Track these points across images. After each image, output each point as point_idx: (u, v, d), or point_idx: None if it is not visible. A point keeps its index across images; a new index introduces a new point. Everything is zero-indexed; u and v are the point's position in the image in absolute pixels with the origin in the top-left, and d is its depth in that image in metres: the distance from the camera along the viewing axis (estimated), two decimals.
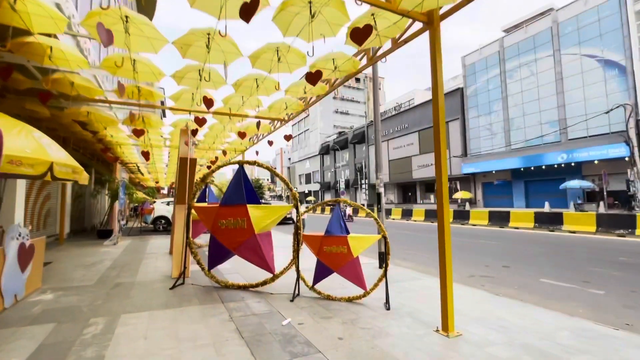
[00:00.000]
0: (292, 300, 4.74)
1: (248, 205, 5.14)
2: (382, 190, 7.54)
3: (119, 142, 11.16)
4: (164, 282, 5.72)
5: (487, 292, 5.44)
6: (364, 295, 4.76)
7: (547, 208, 23.85)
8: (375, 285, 4.76)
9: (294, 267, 5.13)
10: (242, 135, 8.09)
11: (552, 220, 13.96)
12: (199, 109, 7.37)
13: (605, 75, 22.39)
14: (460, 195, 30.75)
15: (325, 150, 55.41)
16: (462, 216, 18.25)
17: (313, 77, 4.63)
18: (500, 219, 15.90)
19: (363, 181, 43.85)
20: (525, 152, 26.78)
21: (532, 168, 26.55)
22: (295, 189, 5.25)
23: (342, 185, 47.01)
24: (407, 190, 41.43)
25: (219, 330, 3.62)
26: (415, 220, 21.18)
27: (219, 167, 5.67)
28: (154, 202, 15.85)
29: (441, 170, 3.88)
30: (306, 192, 63.18)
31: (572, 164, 24.14)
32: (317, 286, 5.07)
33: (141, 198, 16.00)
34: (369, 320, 4.03)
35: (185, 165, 6.11)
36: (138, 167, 16.62)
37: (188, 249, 5.73)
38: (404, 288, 5.55)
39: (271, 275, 5.28)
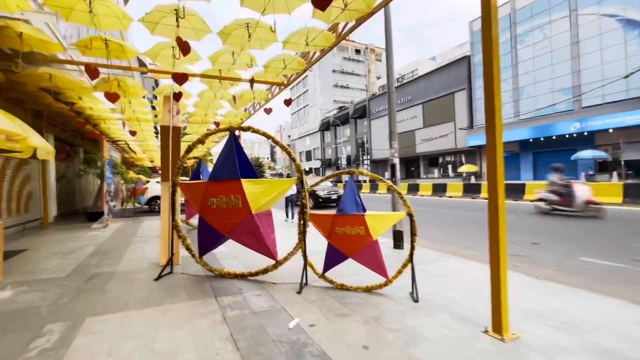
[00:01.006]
0: (299, 292, 3.94)
1: (242, 180, 4.24)
2: (396, 161, 6.62)
3: (102, 117, 10.11)
4: (149, 272, 4.92)
5: (526, 276, 4.64)
6: (386, 284, 3.96)
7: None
8: (399, 272, 3.95)
9: (300, 252, 4.31)
10: (235, 100, 7.05)
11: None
12: (183, 71, 6.31)
13: (626, 37, 20.83)
14: (465, 168, 29.93)
15: (325, 126, 53.95)
16: (472, 189, 17.41)
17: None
18: (514, 191, 15.05)
19: (365, 157, 42.89)
20: (535, 122, 25.58)
21: (542, 139, 25.48)
22: (299, 162, 4.33)
23: (344, 162, 46.10)
24: (410, 165, 40.47)
25: (208, 337, 2.81)
26: (422, 195, 20.41)
27: (207, 136, 4.72)
28: (148, 181, 14.97)
29: (495, 132, 2.95)
30: (307, 169, 62.26)
31: (585, 134, 23.04)
32: (328, 273, 4.27)
33: (135, 178, 15.11)
34: (397, 317, 3.24)
35: (167, 135, 5.15)
36: (128, 145, 15.59)
37: (175, 233, 4.89)
38: (428, 272, 4.76)
39: (273, 261, 4.46)
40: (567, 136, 23.85)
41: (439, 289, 4.05)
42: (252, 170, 4.54)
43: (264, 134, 4.43)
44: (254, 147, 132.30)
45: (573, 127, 23.06)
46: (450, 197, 18.65)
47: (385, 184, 4.18)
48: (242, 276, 4.57)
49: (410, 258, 3.88)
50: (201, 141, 4.77)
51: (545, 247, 6.61)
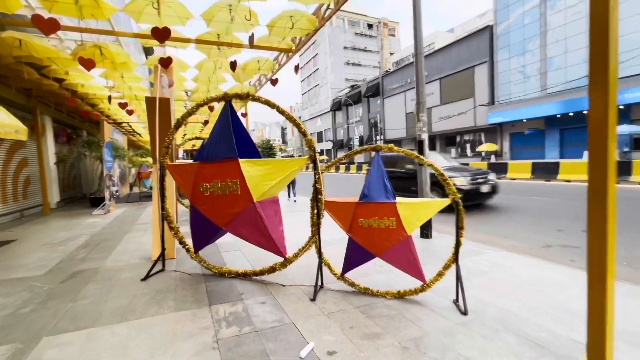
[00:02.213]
0: (313, 300, 3.16)
1: (241, 161, 3.41)
2: (425, 136, 5.65)
3: (98, 95, 9.37)
4: (139, 269, 4.23)
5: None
6: (422, 290, 3.12)
7: (586, 158, 21.44)
8: (440, 274, 3.10)
9: (314, 248, 3.51)
10: (233, 66, 6.11)
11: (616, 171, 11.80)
12: (175, 36, 5.41)
13: None
14: (485, 147, 28.45)
15: (336, 106, 52.38)
16: (497, 169, 16.13)
17: None
18: (546, 171, 13.81)
19: (378, 137, 41.50)
20: (564, 96, 23.68)
21: (571, 114, 23.63)
22: (311, 136, 3.46)
23: (356, 142, 44.86)
24: None
25: None
26: None
27: (198, 107, 3.87)
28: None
29: (607, 95, 1.97)
30: (318, 151, 61.17)
31: (621, 107, 21.16)
32: (348, 274, 3.46)
33: (140, 161, 14.56)
34: (444, 340, 2.41)
35: (154, 108, 4.33)
36: (131, 126, 14.93)
37: (167, 224, 4.15)
38: (468, 269, 3.90)
39: (281, 259, 3.68)
40: None
41: (488, 294, 3.20)
42: (254, 148, 3.70)
43: (267, 102, 3.54)
44: (264, 129, 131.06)
45: None
46: None
47: (418, 163, 3.28)
48: (244, 275, 3.82)
49: (455, 258, 3.02)
50: (191, 113, 3.93)
51: None
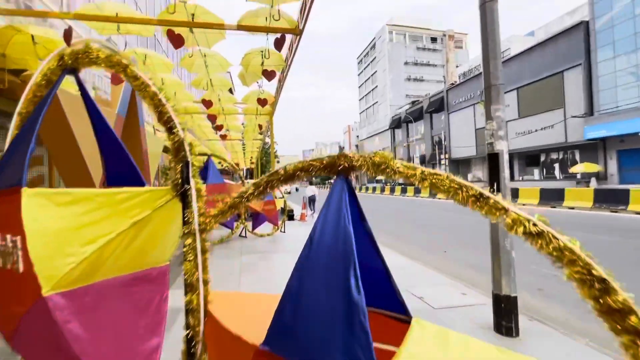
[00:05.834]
0: None
1: (25, 192, 1.42)
2: (502, 146, 3.11)
3: None
4: None
5: None
6: None
7: None
8: None
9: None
10: (67, 36, 4.17)
11: None
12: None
13: None
14: (581, 168, 22.99)
15: (396, 123, 49.39)
16: (612, 198, 11.19)
17: None
18: None
19: (442, 156, 37.41)
20: None
21: None
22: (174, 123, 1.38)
23: (417, 162, 41.15)
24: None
25: None
26: (524, 204, 15.25)
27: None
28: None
29: None
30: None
31: None
32: None
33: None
34: None
35: None
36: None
37: None
38: None
39: None
40: None
41: None
42: (129, 166, 1.72)
43: (112, 61, 1.53)
44: (325, 149, 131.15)
45: None
46: (572, 208, 13.16)
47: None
48: None
49: None
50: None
51: None
